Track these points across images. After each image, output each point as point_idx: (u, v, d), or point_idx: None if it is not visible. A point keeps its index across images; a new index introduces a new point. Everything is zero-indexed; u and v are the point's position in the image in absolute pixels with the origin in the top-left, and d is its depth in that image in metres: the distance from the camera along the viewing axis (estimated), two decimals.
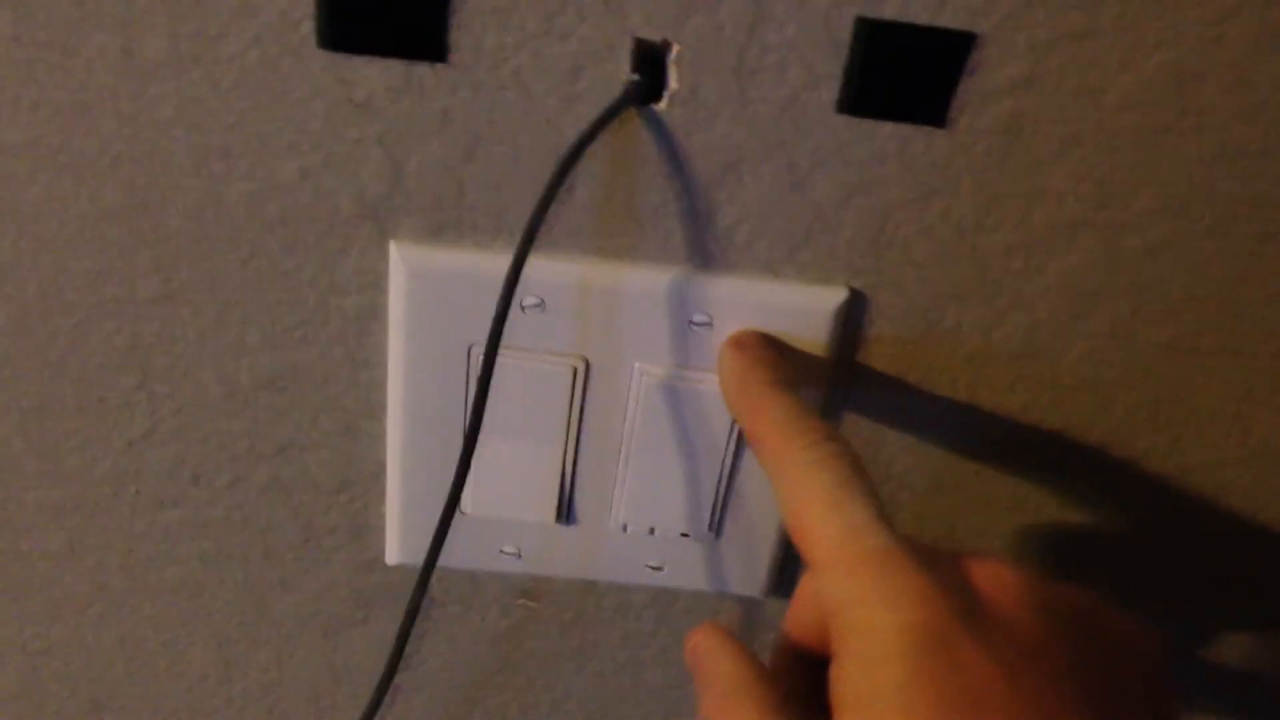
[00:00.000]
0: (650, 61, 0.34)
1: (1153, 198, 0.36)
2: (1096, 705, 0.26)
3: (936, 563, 0.28)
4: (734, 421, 0.40)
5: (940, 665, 0.26)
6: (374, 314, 0.39)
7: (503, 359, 0.38)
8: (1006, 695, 0.25)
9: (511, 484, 0.41)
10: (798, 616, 0.32)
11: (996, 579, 0.28)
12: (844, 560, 0.28)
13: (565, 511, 0.42)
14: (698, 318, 0.38)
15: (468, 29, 0.33)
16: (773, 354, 0.37)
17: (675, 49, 0.33)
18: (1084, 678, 0.27)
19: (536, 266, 0.37)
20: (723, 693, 0.30)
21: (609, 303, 0.38)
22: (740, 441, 0.40)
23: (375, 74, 0.34)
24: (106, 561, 0.45)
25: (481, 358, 0.36)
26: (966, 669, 0.26)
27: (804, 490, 0.30)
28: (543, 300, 0.37)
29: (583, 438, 0.41)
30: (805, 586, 0.32)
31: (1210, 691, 0.51)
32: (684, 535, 0.43)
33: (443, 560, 0.40)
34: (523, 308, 0.38)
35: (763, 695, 0.30)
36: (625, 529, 0.42)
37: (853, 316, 0.39)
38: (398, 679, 0.49)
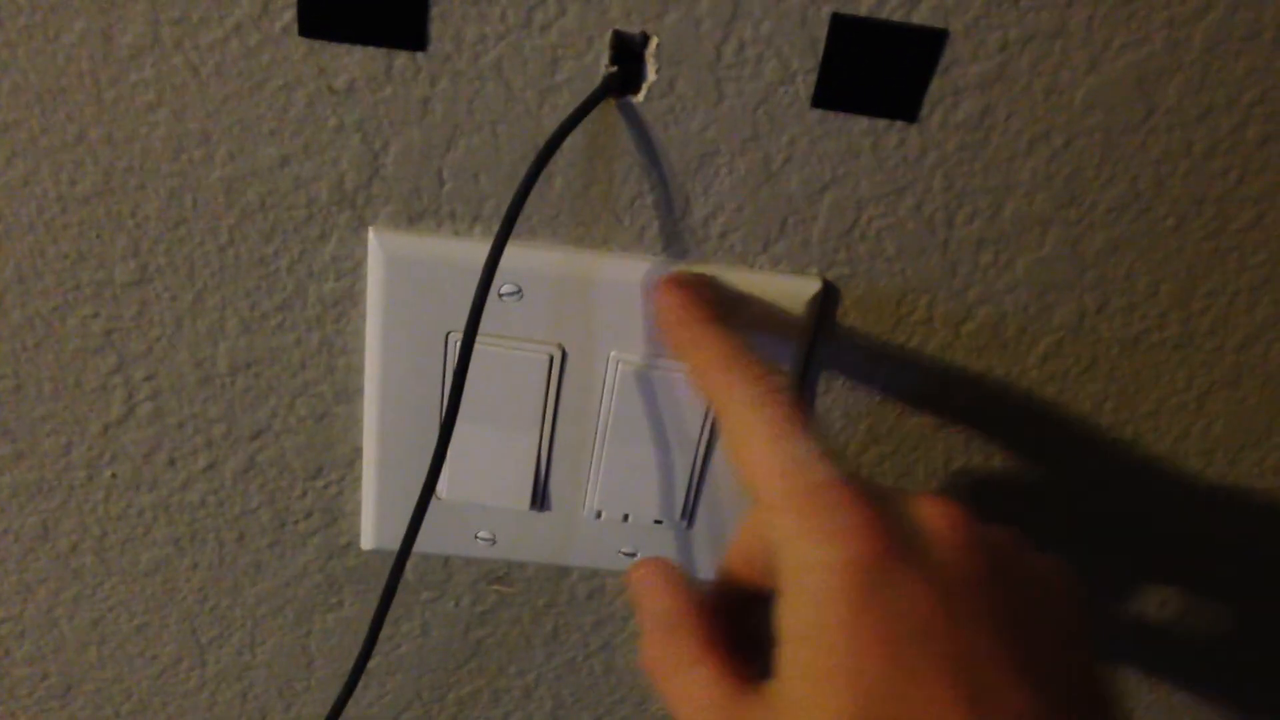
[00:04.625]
0: (628, 54, 0.34)
1: (1118, 195, 0.37)
2: (1024, 639, 0.27)
3: (880, 498, 0.28)
4: (708, 411, 0.40)
5: (883, 601, 0.26)
6: (352, 300, 0.39)
7: (479, 346, 0.38)
8: (947, 630, 0.26)
9: (487, 470, 0.42)
10: (741, 550, 0.32)
11: (939, 515, 0.28)
12: (788, 495, 0.28)
13: (540, 498, 0.43)
14: None
15: (448, 19, 0.33)
16: (709, 293, 0.37)
17: (653, 42, 0.34)
18: (1013, 613, 0.27)
19: (514, 255, 0.37)
20: (662, 626, 0.30)
21: (585, 291, 0.38)
22: (714, 430, 0.41)
23: (356, 62, 0.34)
24: (81, 545, 0.45)
25: (459, 344, 0.36)
26: (909, 605, 0.26)
27: (748, 425, 0.30)
28: (520, 288, 0.38)
29: (558, 425, 0.41)
30: (749, 521, 0.32)
31: (1161, 685, 0.52)
32: (658, 522, 0.43)
33: (418, 545, 0.40)
34: (500, 295, 0.38)
35: (701, 630, 0.30)
36: (599, 515, 0.43)
37: (825, 308, 0.39)
38: (371, 663, 0.49)
